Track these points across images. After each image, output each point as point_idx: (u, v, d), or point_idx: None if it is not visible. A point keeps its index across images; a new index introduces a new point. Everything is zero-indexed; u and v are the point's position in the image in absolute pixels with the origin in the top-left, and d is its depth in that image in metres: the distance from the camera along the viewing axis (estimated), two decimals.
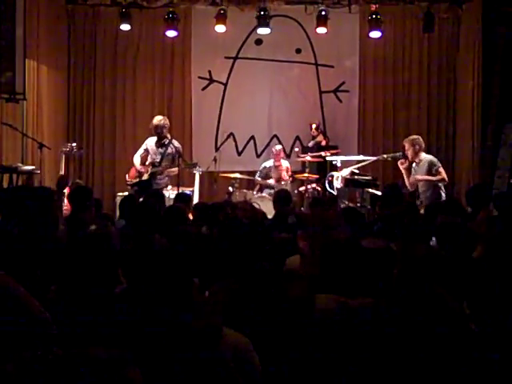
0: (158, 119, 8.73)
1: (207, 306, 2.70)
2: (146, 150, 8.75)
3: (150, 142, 8.78)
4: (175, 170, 8.63)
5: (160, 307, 2.41)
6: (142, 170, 8.61)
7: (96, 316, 2.58)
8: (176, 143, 8.72)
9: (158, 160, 8.64)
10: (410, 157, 8.18)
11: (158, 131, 8.64)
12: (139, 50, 10.68)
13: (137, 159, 8.77)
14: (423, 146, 8.30)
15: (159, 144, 8.68)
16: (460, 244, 3.83)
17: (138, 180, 8.58)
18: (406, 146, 8.23)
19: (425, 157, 8.24)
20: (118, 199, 8.20)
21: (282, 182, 9.49)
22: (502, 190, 9.19)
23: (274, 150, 9.92)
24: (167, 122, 8.76)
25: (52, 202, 4.26)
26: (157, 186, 8.47)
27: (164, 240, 4.04)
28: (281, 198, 6.39)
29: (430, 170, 8.08)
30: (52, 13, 9.81)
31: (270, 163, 9.91)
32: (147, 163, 8.68)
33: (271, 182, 9.71)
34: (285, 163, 9.88)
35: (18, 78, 8.43)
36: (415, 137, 8.39)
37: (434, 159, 8.25)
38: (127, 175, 8.82)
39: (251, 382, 2.32)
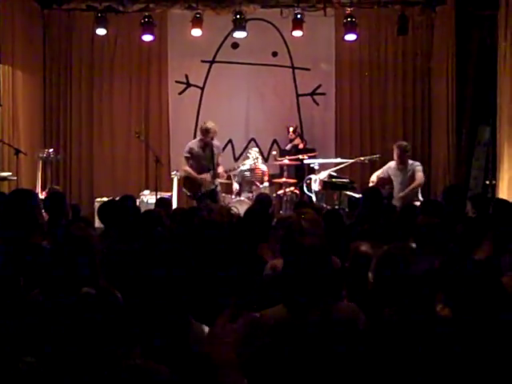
0: (215, 127, 8.65)
1: None
2: (189, 158, 8.69)
3: (195, 148, 8.72)
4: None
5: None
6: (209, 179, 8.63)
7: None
8: (217, 142, 8.83)
9: (206, 164, 8.65)
10: (398, 160, 8.26)
11: (212, 137, 8.66)
12: (115, 54, 10.65)
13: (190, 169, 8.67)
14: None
15: (206, 148, 8.65)
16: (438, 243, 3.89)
17: (207, 189, 8.61)
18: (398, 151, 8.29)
19: (411, 163, 8.31)
20: (97, 204, 8.17)
21: (260, 186, 9.45)
22: (477, 191, 9.32)
23: (249, 153, 9.91)
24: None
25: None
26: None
27: None
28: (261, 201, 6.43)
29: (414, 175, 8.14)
30: (27, 18, 9.74)
31: (245, 166, 9.84)
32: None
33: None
34: (262, 167, 9.85)
35: None
36: (405, 144, 8.51)
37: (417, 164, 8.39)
38: (186, 189, 8.74)
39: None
